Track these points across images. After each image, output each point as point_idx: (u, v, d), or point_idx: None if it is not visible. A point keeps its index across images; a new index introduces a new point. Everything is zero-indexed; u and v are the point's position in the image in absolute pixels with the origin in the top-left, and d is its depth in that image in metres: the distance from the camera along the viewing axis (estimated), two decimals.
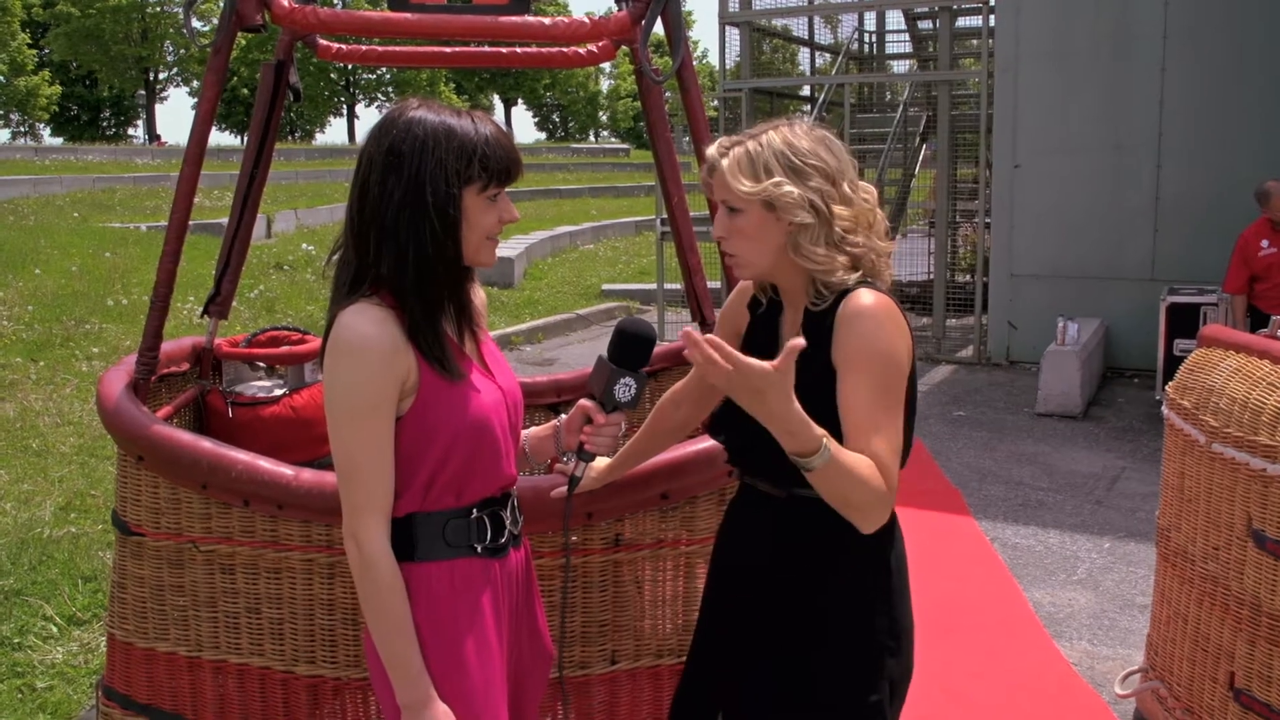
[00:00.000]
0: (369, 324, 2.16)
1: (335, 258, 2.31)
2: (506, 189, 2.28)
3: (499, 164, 2.23)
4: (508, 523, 2.39)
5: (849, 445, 2.18)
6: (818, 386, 2.26)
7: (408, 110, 2.23)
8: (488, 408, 2.29)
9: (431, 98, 2.33)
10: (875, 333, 2.21)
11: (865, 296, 2.24)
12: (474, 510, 2.32)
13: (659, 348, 4.14)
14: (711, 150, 2.38)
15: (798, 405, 2.05)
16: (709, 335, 2.06)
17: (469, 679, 2.27)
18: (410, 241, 2.18)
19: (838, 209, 2.28)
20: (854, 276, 2.30)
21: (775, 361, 2.01)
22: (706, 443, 3.06)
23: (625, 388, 2.45)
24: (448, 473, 2.25)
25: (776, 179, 2.26)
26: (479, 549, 2.32)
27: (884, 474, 2.16)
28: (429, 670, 2.23)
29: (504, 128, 2.29)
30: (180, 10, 61.92)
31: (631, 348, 2.47)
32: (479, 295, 2.45)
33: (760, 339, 2.51)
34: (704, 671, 2.62)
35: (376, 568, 2.19)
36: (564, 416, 2.64)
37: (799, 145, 2.29)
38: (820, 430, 2.09)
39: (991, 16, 12.02)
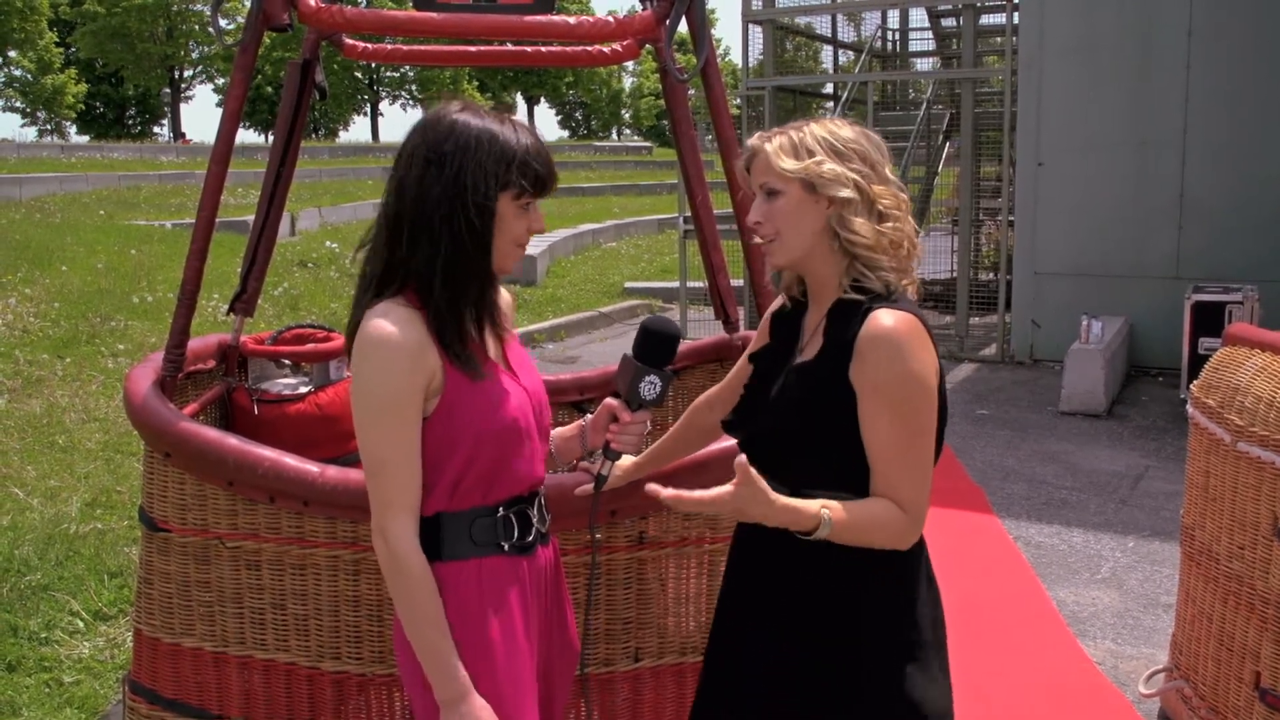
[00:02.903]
0: (395, 324, 2.19)
1: (361, 254, 2.33)
2: (539, 200, 2.31)
3: (535, 174, 2.26)
4: (535, 521, 2.41)
5: (874, 478, 2.25)
6: (835, 407, 2.27)
7: (451, 112, 2.26)
8: (513, 409, 2.30)
9: (467, 99, 2.35)
10: (897, 359, 2.21)
11: (886, 317, 2.23)
12: (501, 509, 2.33)
13: (683, 346, 4.15)
14: (753, 139, 2.41)
15: (780, 500, 2.16)
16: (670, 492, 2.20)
17: (498, 677, 2.29)
18: (443, 240, 2.21)
19: (878, 188, 2.31)
20: (891, 258, 2.32)
21: (735, 481, 2.13)
22: (731, 441, 3.06)
23: (651, 386, 2.46)
24: (474, 473, 2.27)
25: (818, 158, 2.29)
26: (506, 547, 2.34)
27: (905, 507, 2.23)
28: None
29: (542, 139, 2.32)
30: (206, 9, 62.18)
31: (657, 346, 2.48)
32: (504, 296, 2.46)
33: (782, 337, 2.52)
34: (720, 673, 2.61)
35: (406, 564, 2.20)
36: (589, 415, 2.65)
37: (840, 133, 2.34)
38: (814, 506, 2.18)
39: (1015, 13, 11.98)
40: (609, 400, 2.53)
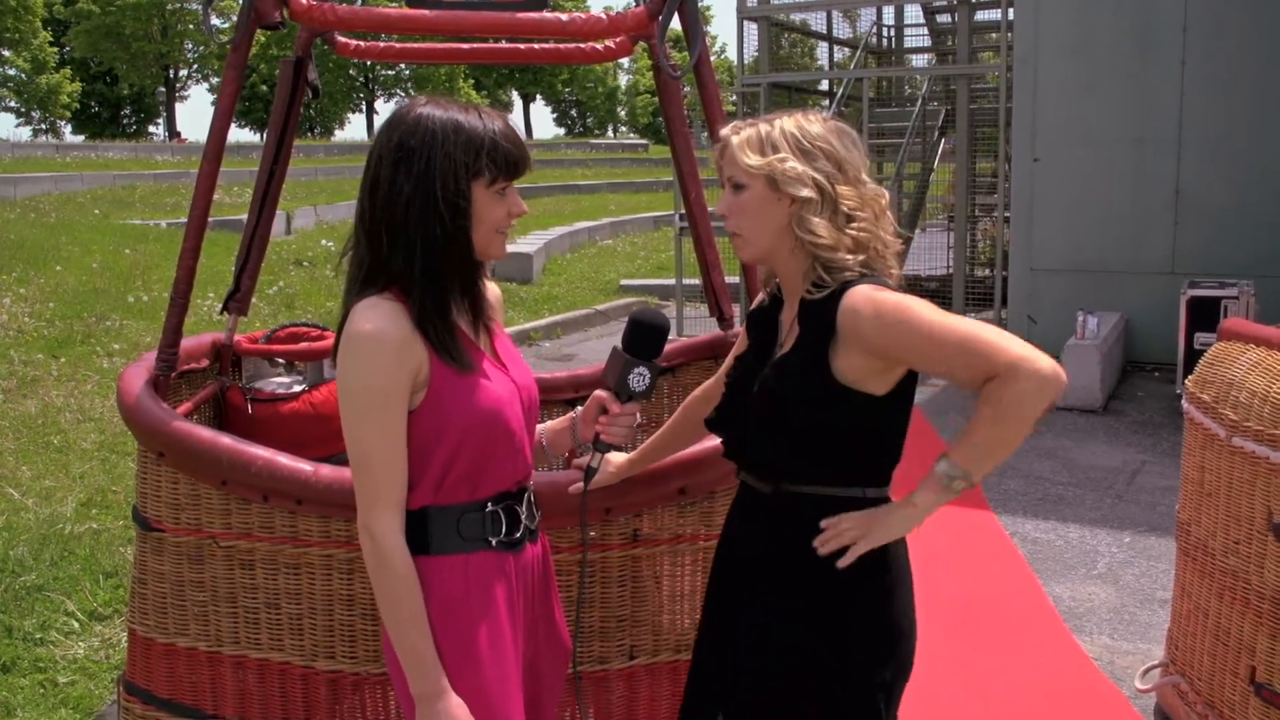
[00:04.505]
0: (381, 318, 2.19)
1: (347, 257, 2.33)
2: (516, 183, 2.30)
3: (506, 158, 2.25)
4: (523, 517, 2.40)
5: (964, 385, 2.20)
6: (815, 397, 2.28)
7: (416, 107, 2.26)
8: (501, 401, 2.30)
9: (441, 95, 2.35)
10: (877, 303, 2.22)
11: (866, 287, 2.25)
12: (488, 504, 2.33)
13: (678, 343, 4.15)
14: (725, 130, 2.42)
15: (912, 501, 2.28)
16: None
17: (483, 672, 2.28)
18: (420, 235, 2.21)
19: (843, 189, 2.31)
20: (856, 259, 2.30)
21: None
22: (718, 440, 3.06)
23: (640, 377, 2.47)
24: (461, 466, 2.27)
25: (781, 155, 2.29)
26: (493, 542, 2.34)
27: (1006, 369, 2.11)
28: (443, 662, 2.25)
29: (512, 123, 2.31)
30: (200, 7, 62.09)
31: (645, 338, 2.49)
32: (492, 290, 2.47)
33: (762, 333, 2.52)
34: (707, 670, 2.62)
35: (391, 560, 2.21)
36: (580, 409, 2.65)
37: (809, 129, 2.33)
38: (930, 475, 2.25)
39: (1010, 10, 11.98)
40: (598, 392, 2.53)
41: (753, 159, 2.31)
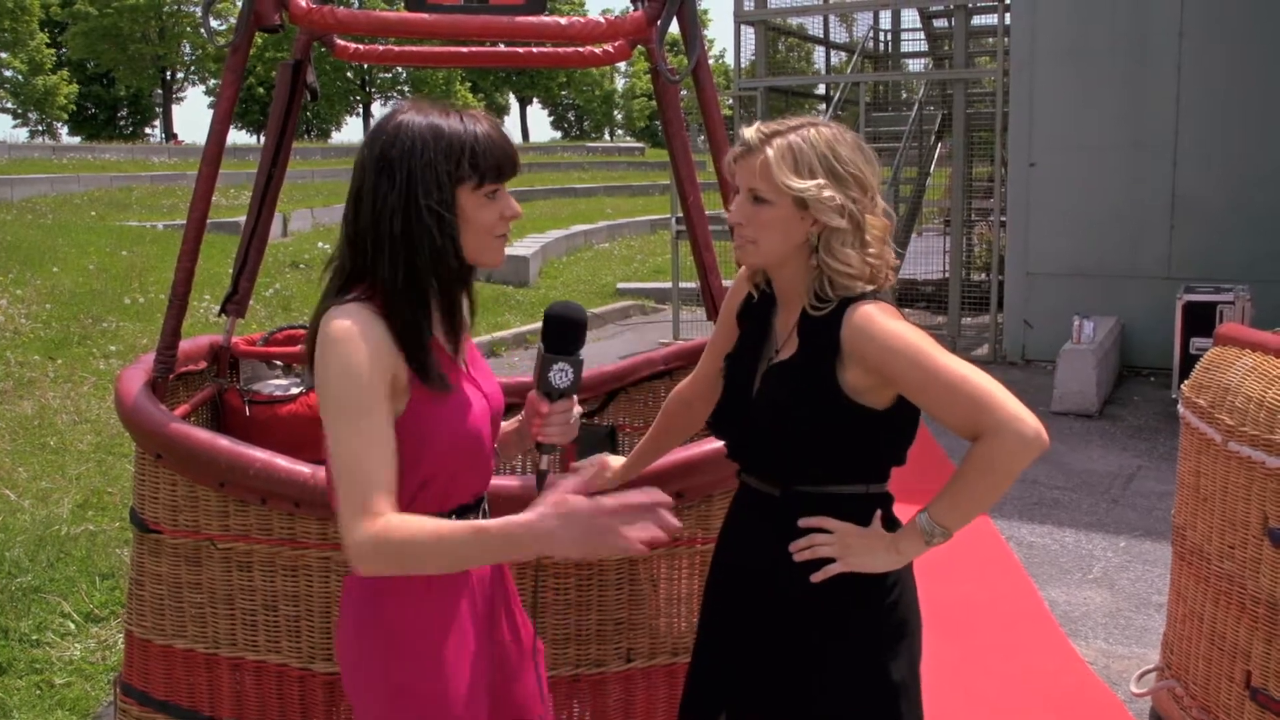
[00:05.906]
0: (355, 321, 2.11)
1: (327, 273, 2.27)
2: (509, 186, 2.25)
3: (490, 161, 2.19)
4: None
5: (952, 428, 2.22)
6: (819, 406, 2.28)
7: (396, 115, 2.21)
8: (475, 420, 2.26)
9: (429, 98, 2.30)
10: (894, 324, 2.23)
11: (869, 306, 2.26)
12: (452, 516, 2.26)
13: (674, 347, 4.15)
14: (750, 133, 2.34)
15: (898, 547, 2.30)
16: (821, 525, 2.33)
17: (448, 681, 2.24)
18: (407, 246, 2.15)
19: (870, 218, 2.31)
20: (863, 287, 2.31)
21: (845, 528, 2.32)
22: (719, 443, 3.06)
23: (561, 373, 2.38)
24: (439, 482, 2.23)
25: (820, 181, 2.26)
26: None
27: (996, 427, 2.14)
28: (404, 671, 2.22)
29: (497, 124, 2.27)
30: (198, 10, 62.06)
31: (561, 332, 2.40)
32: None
33: (752, 332, 2.52)
34: (709, 672, 2.61)
35: (403, 541, 2.04)
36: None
37: (841, 151, 2.29)
38: (912, 524, 2.28)
39: (1007, 14, 12.00)
40: (531, 394, 2.47)
41: (791, 181, 2.26)
